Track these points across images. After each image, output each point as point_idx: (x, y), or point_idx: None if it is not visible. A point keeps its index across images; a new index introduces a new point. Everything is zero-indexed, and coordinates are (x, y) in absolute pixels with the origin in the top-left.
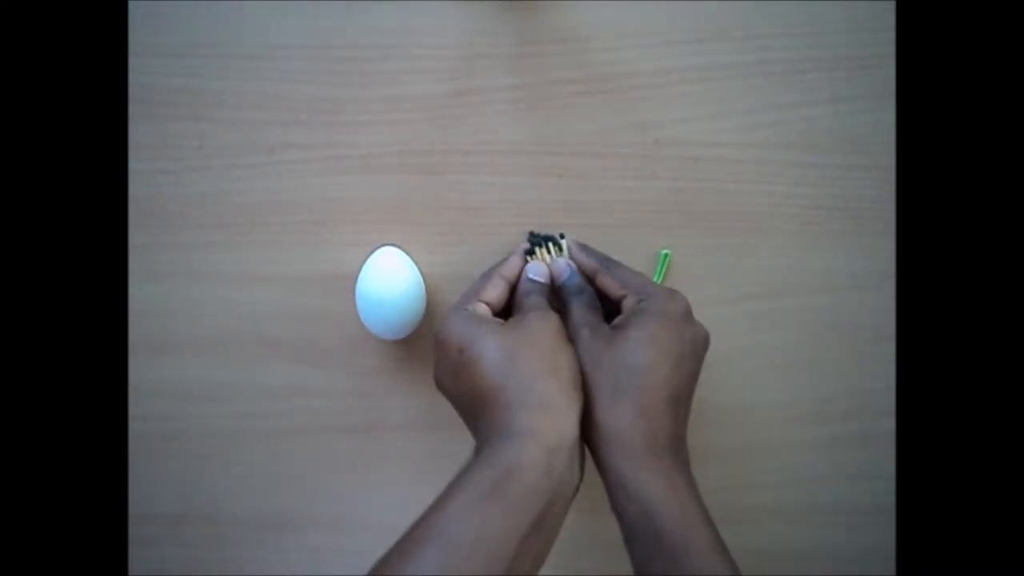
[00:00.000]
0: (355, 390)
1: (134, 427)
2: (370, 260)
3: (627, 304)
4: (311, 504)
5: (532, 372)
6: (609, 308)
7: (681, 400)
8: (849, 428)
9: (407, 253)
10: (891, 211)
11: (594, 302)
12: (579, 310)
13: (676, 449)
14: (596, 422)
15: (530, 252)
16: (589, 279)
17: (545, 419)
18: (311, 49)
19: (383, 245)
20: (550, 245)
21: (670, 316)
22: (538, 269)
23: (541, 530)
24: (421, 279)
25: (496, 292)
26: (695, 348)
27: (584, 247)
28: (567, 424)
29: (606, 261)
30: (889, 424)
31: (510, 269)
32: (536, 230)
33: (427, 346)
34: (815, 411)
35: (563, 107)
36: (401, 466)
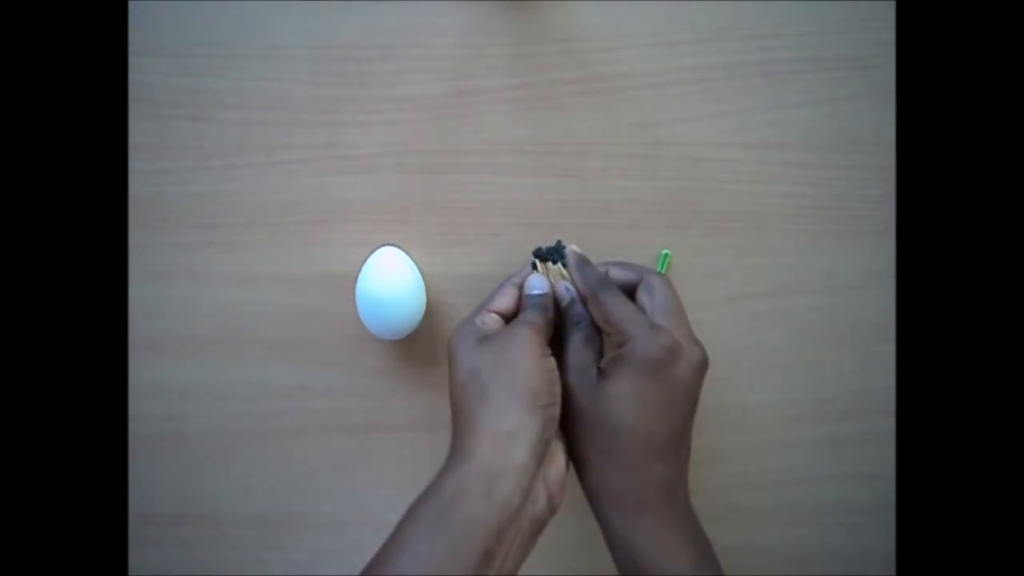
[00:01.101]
0: (355, 390)
1: (134, 427)
2: (370, 260)
3: (612, 342)
4: (311, 504)
5: (486, 395)
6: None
7: (671, 445)
8: (849, 428)
9: (407, 253)
10: (891, 211)
11: (590, 336)
12: (573, 347)
13: (671, 495)
14: (586, 481)
15: (536, 267)
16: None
17: (490, 442)
18: (311, 49)
19: (383, 245)
20: (552, 264)
21: (652, 363)
22: (537, 283)
23: (494, 559)
24: (421, 279)
25: (506, 301)
26: (687, 387)
27: (583, 265)
28: (516, 448)
29: (597, 288)
30: (889, 424)
31: (522, 278)
32: (542, 245)
33: (427, 346)
34: (815, 411)
35: (563, 107)
36: (401, 466)
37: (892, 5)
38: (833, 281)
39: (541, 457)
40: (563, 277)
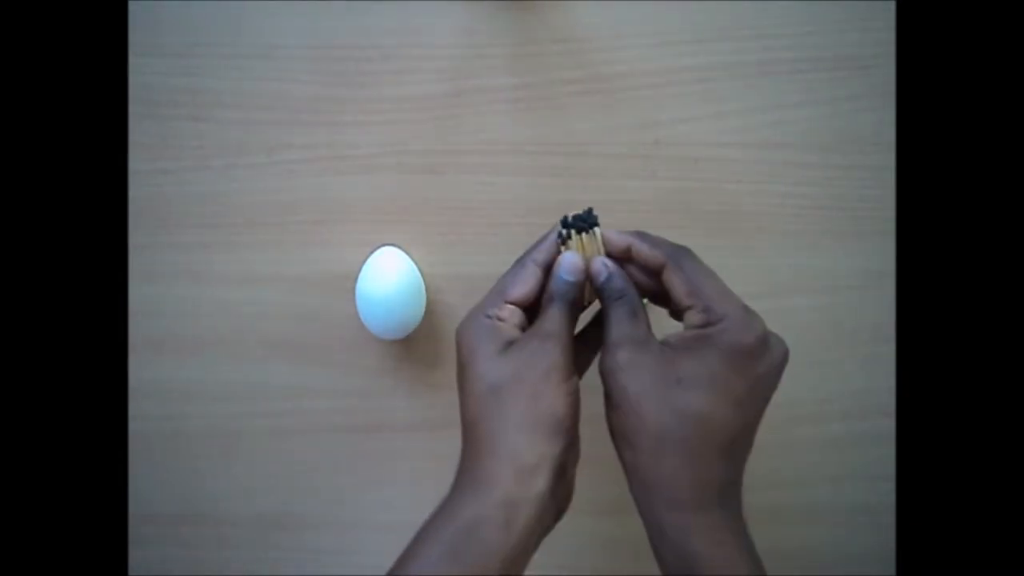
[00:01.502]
0: (355, 390)
1: (134, 427)
2: (370, 260)
3: (691, 318)
4: (311, 504)
5: (507, 416)
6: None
7: (738, 444)
8: (849, 428)
9: (407, 253)
10: (891, 211)
11: (637, 309)
12: (619, 321)
13: (727, 497)
14: (636, 467)
15: (564, 240)
16: (652, 273)
17: (513, 472)
18: (311, 49)
19: (383, 245)
20: (586, 234)
21: (741, 352)
22: (572, 265)
23: None
24: (421, 279)
25: (527, 287)
26: (768, 383)
27: (645, 236)
28: (538, 478)
29: (676, 253)
30: (889, 424)
31: (544, 254)
32: (568, 214)
33: (427, 346)
34: (815, 411)
35: (563, 107)
36: (401, 466)
37: (892, 5)
38: (833, 281)
39: (559, 480)
40: (597, 251)
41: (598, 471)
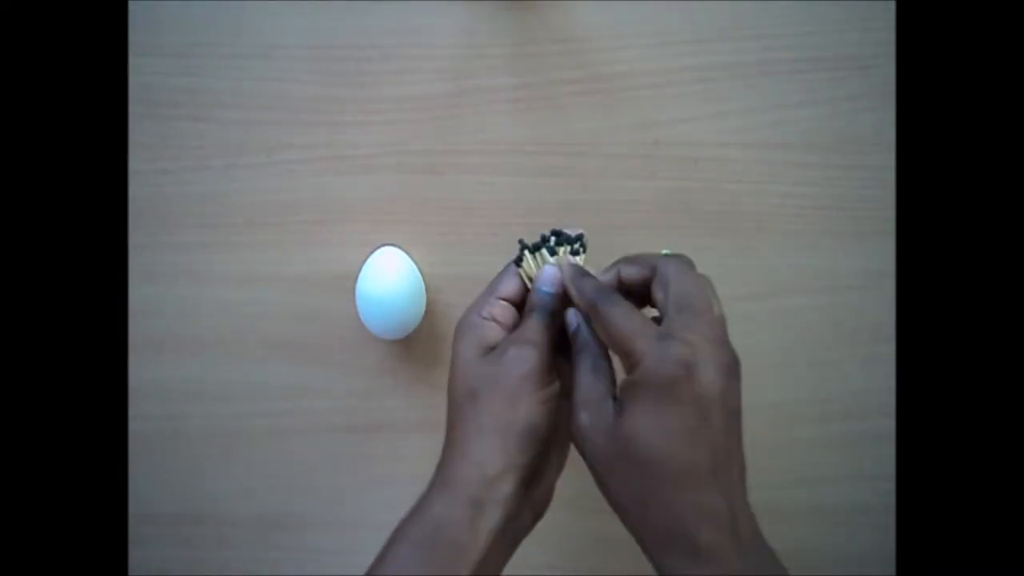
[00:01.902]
0: (355, 390)
1: (134, 427)
2: (370, 260)
3: (624, 365)
4: (311, 504)
5: (480, 422)
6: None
7: (718, 471)
8: (849, 428)
9: (407, 253)
10: (891, 211)
11: (596, 364)
12: (581, 379)
13: (732, 531)
14: (632, 531)
15: (519, 262)
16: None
17: (478, 474)
18: (311, 49)
19: (383, 245)
20: (543, 252)
21: (664, 383)
22: (552, 278)
23: None
24: (421, 279)
25: (514, 285)
26: (717, 400)
27: (578, 276)
28: (502, 483)
29: (596, 299)
30: (889, 424)
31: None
32: (524, 239)
33: (427, 346)
34: (815, 411)
35: (563, 107)
36: (401, 466)
37: (892, 5)
38: (833, 281)
39: (529, 483)
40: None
41: None
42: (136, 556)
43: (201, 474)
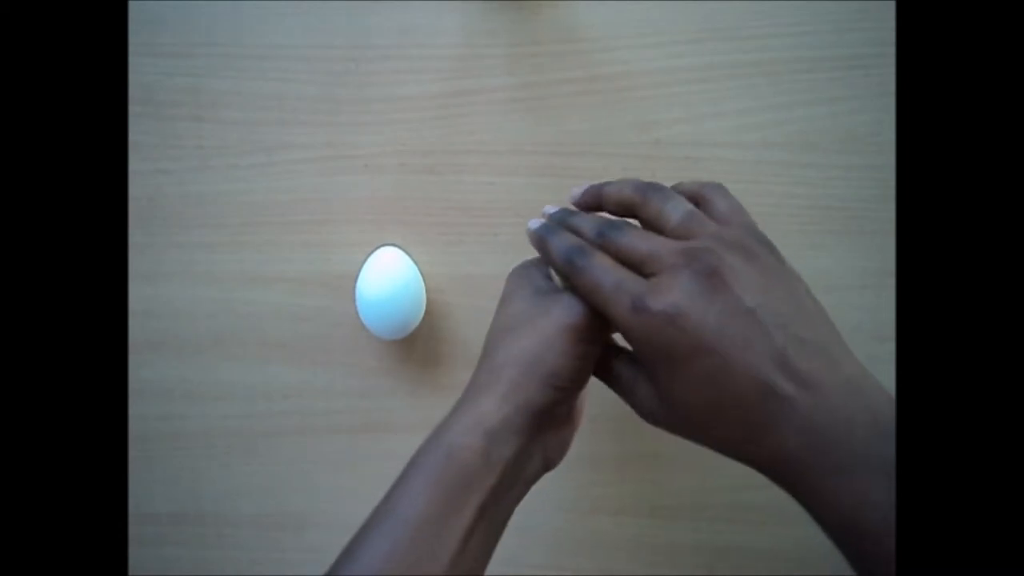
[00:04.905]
0: (355, 390)
1: (134, 427)
2: (370, 260)
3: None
4: (311, 504)
5: (516, 357)
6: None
7: (788, 353)
8: None
9: (407, 253)
10: (891, 211)
11: (617, 273)
12: (602, 279)
13: (832, 368)
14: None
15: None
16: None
17: (497, 403)
18: (311, 49)
19: (383, 245)
20: None
21: (697, 271)
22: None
23: (487, 512)
24: (421, 279)
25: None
26: (762, 269)
27: (568, 215)
28: (516, 413)
29: (602, 228)
30: None
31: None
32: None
33: (427, 346)
34: None
35: (563, 107)
36: (401, 466)
37: (892, 5)
38: (833, 281)
39: (545, 425)
40: None
41: (598, 471)
42: (136, 556)
43: (201, 474)
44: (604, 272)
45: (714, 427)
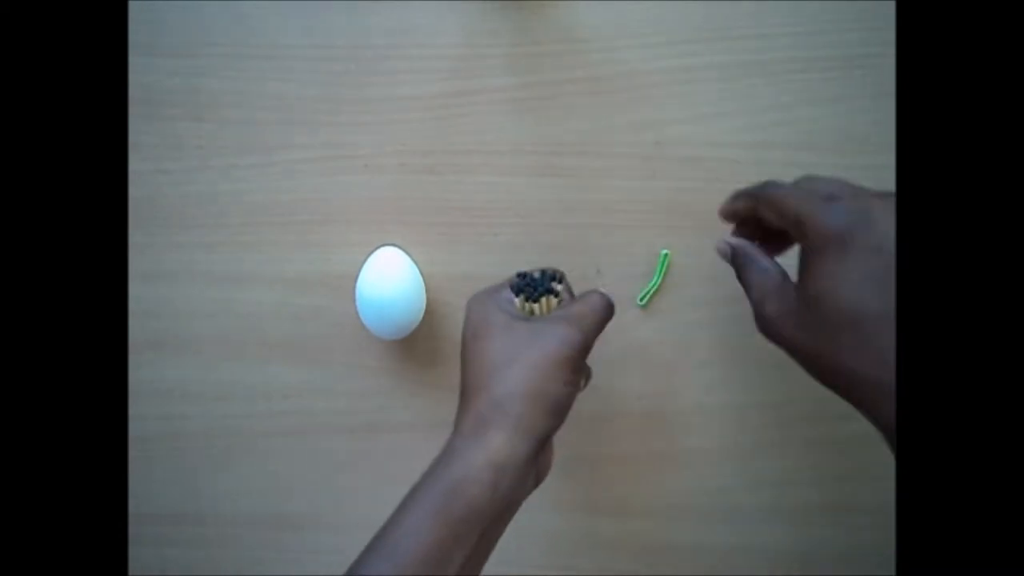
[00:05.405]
0: (355, 390)
1: (134, 427)
2: (370, 260)
3: (797, 236)
4: (311, 504)
5: (519, 391)
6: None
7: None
8: (849, 428)
9: (407, 253)
10: None
11: (764, 264)
12: (754, 279)
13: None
14: (859, 402)
15: (517, 292)
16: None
17: (507, 438)
18: (311, 49)
19: (383, 245)
20: (542, 295)
21: (842, 237)
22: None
23: (482, 543)
24: (421, 279)
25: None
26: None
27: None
28: (524, 445)
29: (759, 188)
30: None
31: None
32: (526, 270)
33: (427, 346)
34: (815, 411)
35: (563, 107)
36: (401, 466)
37: (892, 5)
38: None
39: (543, 450)
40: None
41: (598, 471)
42: (136, 556)
43: (201, 474)
44: (798, 187)
45: (844, 334)
